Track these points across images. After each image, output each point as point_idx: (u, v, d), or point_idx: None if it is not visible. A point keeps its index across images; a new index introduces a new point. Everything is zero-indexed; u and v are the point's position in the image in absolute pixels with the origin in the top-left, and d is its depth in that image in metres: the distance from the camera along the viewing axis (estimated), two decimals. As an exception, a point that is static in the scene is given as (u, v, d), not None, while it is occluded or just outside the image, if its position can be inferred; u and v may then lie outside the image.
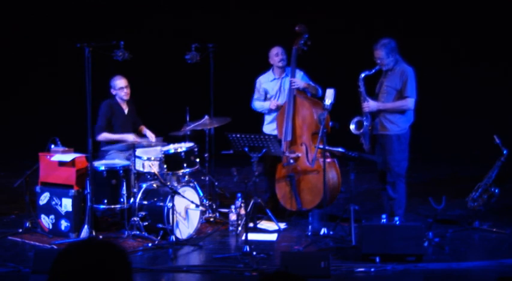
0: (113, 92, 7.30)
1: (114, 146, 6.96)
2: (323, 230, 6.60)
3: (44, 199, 6.82)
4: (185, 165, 6.86)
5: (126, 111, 7.38)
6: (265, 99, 7.61)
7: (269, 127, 7.58)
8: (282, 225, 7.10)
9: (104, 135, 7.19)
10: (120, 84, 7.26)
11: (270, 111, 7.56)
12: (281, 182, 7.38)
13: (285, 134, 7.33)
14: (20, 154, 10.24)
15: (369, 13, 11.30)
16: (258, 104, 7.64)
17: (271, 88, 7.55)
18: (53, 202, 6.76)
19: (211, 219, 7.34)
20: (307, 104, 7.31)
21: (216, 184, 7.66)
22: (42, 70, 11.84)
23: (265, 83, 7.59)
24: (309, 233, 6.76)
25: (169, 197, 6.46)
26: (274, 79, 7.55)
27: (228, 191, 8.15)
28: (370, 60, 6.86)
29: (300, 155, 7.28)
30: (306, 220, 7.03)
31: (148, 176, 6.87)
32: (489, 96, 11.13)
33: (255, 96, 7.66)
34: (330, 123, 6.81)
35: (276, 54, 7.48)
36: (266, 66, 7.60)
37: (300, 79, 7.39)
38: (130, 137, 7.10)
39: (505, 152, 6.83)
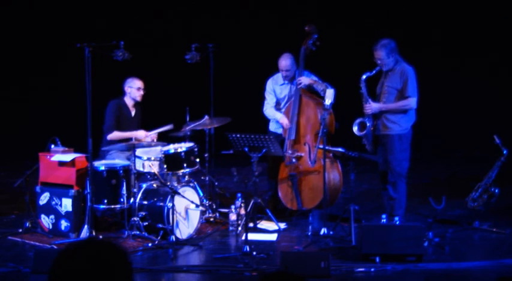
0: (127, 90, 7.29)
1: (115, 146, 6.96)
2: (323, 230, 6.60)
3: (44, 199, 6.82)
4: (185, 165, 6.86)
5: (132, 113, 7.38)
6: (276, 101, 7.58)
7: (274, 125, 7.58)
8: (282, 225, 7.10)
9: (115, 134, 7.17)
10: (138, 84, 7.29)
11: (278, 123, 7.49)
12: (284, 182, 7.38)
13: (289, 133, 7.33)
14: (20, 154, 10.24)
15: (369, 13, 11.30)
16: (271, 112, 7.51)
17: (280, 92, 7.53)
18: (53, 202, 6.76)
19: (211, 219, 7.34)
20: (312, 104, 7.30)
21: (216, 184, 7.66)
22: (42, 70, 11.84)
23: (274, 86, 7.54)
24: (309, 233, 6.76)
25: (169, 197, 6.46)
26: (284, 83, 7.53)
27: (228, 191, 8.15)
28: (370, 60, 6.86)
29: (302, 154, 7.28)
30: (306, 220, 7.03)
31: (148, 176, 6.87)
32: (489, 96, 11.12)
33: (268, 100, 7.54)
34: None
35: (281, 70, 7.43)
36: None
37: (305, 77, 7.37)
38: (141, 134, 7.12)
39: (505, 152, 6.83)
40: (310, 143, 7.27)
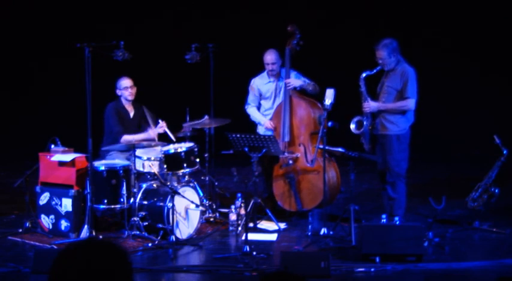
0: (118, 92, 7.28)
1: (114, 146, 6.96)
2: (323, 230, 6.60)
3: (44, 199, 6.82)
4: (185, 165, 6.86)
5: (131, 114, 7.37)
6: (260, 101, 7.59)
7: (263, 128, 7.56)
8: (282, 225, 7.10)
9: (125, 138, 7.09)
10: (124, 84, 7.24)
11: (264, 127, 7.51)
12: (279, 181, 7.38)
13: (283, 135, 7.33)
14: (20, 154, 10.24)
15: (369, 12, 11.30)
16: (254, 113, 7.57)
17: (266, 90, 7.54)
18: (53, 202, 6.76)
19: (211, 219, 7.34)
20: (303, 104, 7.32)
21: (216, 184, 7.66)
22: (43, 70, 11.84)
23: (260, 85, 7.57)
24: (309, 233, 6.76)
25: (169, 197, 6.46)
26: (269, 82, 7.54)
27: (228, 191, 8.15)
28: (371, 60, 6.86)
29: (298, 155, 7.28)
30: (306, 220, 7.02)
31: (148, 176, 6.87)
32: (489, 96, 11.12)
33: (250, 99, 7.60)
34: (329, 123, 6.80)
35: (266, 64, 7.45)
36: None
37: (294, 78, 7.38)
38: (152, 133, 7.12)
39: (505, 152, 6.83)
40: (305, 143, 7.27)
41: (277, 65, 7.41)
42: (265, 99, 7.57)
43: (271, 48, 7.45)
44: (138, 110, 7.42)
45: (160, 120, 7.25)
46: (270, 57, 7.41)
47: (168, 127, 7.21)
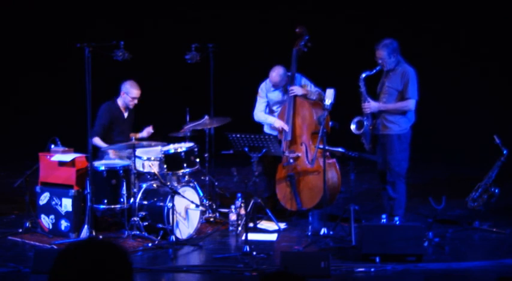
0: (122, 95, 7.27)
1: (114, 146, 6.96)
2: (323, 230, 6.60)
3: (44, 199, 6.82)
4: (185, 165, 6.86)
5: (125, 115, 7.37)
6: (268, 106, 7.58)
7: (269, 128, 7.56)
8: (282, 225, 7.10)
9: (96, 141, 7.11)
10: (133, 94, 7.22)
11: (272, 127, 7.48)
12: (282, 183, 7.38)
13: (285, 134, 7.33)
14: (20, 154, 10.24)
15: (370, 12, 11.30)
16: (262, 116, 7.51)
17: (274, 96, 7.53)
18: (53, 202, 6.76)
19: (211, 219, 7.34)
20: (307, 104, 7.32)
21: (216, 184, 7.66)
22: (42, 70, 11.84)
23: (267, 91, 7.54)
24: (309, 233, 6.76)
25: (169, 197, 6.46)
26: (276, 89, 7.52)
27: (228, 191, 8.15)
28: (371, 60, 6.86)
29: (299, 155, 7.28)
30: (306, 220, 7.03)
31: (148, 176, 6.88)
32: (489, 96, 11.12)
33: (259, 104, 7.53)
34: (330, 123, 6.81)
35: (270, 79, 7.39)
36: (267, 67, 7.57)
37: (298, 85, 7.36)
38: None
39: (505, 152, 6.84)
40: (306, 143, 7.27)
41: (282, 81, 7.34)
42: (273, 104, 7.56)
43: (278, 65, 7.35)
44: (132, 111, 7.42)
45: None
46: (274, 73, 7.33)
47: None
